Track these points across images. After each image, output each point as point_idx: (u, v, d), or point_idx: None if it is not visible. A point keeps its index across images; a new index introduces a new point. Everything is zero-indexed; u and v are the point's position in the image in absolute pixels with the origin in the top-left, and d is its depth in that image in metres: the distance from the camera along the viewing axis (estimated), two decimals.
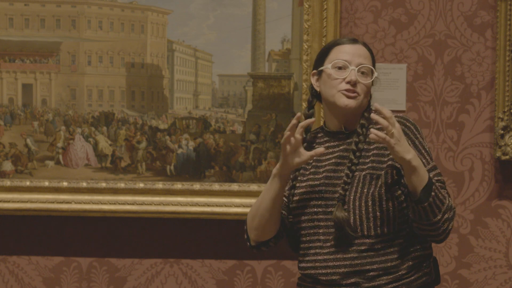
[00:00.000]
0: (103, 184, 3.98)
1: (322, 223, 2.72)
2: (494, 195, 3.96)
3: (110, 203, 3.96)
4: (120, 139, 4.02)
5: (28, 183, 4.00)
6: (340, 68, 2.74)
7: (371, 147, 2.72)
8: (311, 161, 2.79)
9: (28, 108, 4.04)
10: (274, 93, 3.96)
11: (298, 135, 2.64)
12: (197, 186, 3.93)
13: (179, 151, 4.00)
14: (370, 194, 2.66)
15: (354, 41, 2.79)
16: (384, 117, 2.55)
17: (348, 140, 2.76)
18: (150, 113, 4.02)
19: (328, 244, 2.70)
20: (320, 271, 2.71)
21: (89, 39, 4.01)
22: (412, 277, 2.70)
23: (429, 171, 2.66)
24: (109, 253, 4.03)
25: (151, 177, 4.00)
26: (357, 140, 2.72)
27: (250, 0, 3.96)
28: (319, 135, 2.85)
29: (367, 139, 2.72)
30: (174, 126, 4.01)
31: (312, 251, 2.74)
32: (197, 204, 3.93)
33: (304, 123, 2.67)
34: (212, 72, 4.06)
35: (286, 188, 2.79)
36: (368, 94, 2.77)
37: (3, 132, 4.04)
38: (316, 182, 2.75)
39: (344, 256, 2.68)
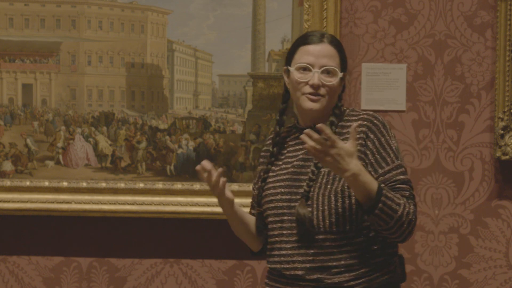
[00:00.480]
0: (103, 184, 3.98)
1: (286, 218, 2.74)
2: (494, 195, 3.96)
3: (110, 203, 3.96)
4: (120, 139, 4.02)
5: (28, 183, 4.00)
6: (304, 69, 2.75)
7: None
8: (282, 156, 2.82)
9: (28, 108, 4.04)
10: (274, 93, 3.96)
11: (218, 179, 2.73)
12: (197, 186, 3.93)
13: (179, 151, 4.00)
14: (333, 190, 2.68)
15: (320, 39, 2.78)
16: (325, 137, 2.56)
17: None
18: (150, 113, 4.02)
19: (292, 239, 2.72)
20: (284, 266, 2.74)
21: (89, 39, 4.01)
22: (374, 275, 2.71)
23: (391, 170, 2.68)
24: (109, 253, 4.03)
25: (151, 177, 4.00)
26: (325, 138, 2.73)
27: (250, 0, 3.96)
28: (292, 130, 2.88)
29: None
30: (174, 126, 4.01)
31: (277, 246, 2.76)
32: (197, 204, 3.93)
33: (219, 172, 2.73)
34: (212, 72, 4.06)
35: (256, 182, 2.87)
36: (335, 93, 2.78)
37: (3, 132, 4.04)
38: (283, 177, 2.78)
39: (307, 251, 2.69)
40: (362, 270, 2.69)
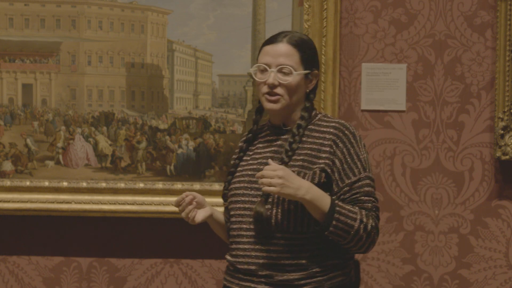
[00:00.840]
0: (103, 184, 3.98)
1: (246, 213, 2.76)
2: (494, 195, 3.96)
3: (110, 203, 3.96)
4: (120, 139, 4.02)
5: (28, 183, 4.00)
6: (263, 70, 2.77)
7: (306, 145, 2.75)
8: (251, 152, 2.85)
9: (28, 108, 4.04)
10: None
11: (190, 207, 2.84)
12: (197, 186, 3.93)
13: (179, 151, 4.00)
14: None
15: (279, 39, 2.79)
16: (261, 175, 2.61)
17: (285, 136, 2.80)
18: (150, 113, 4.02)
19: (250, 234, 2.74)
20: (239, 260, 2.76)
21: (89, 39, 4.01)
22: (326, 276, 2.72)
23: (357, 181, 2.70)
24: (109, 253, 4.03)
25: (151, 177, 4.00)
26: (291, 140, 2.75)
27: (250, 0, 3.96)
28: (264, 128, 2.90)
29: (300, 142, 2.76)
30: (174, 126, 4.01)
31: (236, 240, 2.79)
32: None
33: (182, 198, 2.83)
34: (212, 72, 4.06)
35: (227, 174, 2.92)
36: (295, 92, 2.77)
37: (3, 132, 4.04)
38: (248, 173, 2.80)
39: (262, 248, 2.72)
40: (314, 270, 2.71)
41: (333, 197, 2.67)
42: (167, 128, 4.01)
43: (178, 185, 3.96)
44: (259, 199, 2.72)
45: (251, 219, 2.74)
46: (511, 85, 3.85)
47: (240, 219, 2.79)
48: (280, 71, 2.75)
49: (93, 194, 3.97)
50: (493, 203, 3.96)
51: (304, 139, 2.76)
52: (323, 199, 2.63)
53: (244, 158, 2.87)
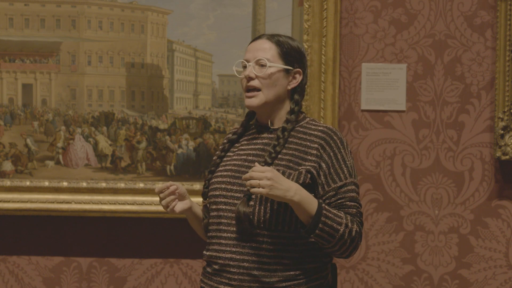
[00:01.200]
0: (103, 184, 3.98)
1: (228, 208, 2.75)
2: (494, 195, 3.96)
3: (110, 203, 3.96)
4: (120, 139, 4.02)
5: (28, 183, 4.00)
6: (244, 67, 2.80)
7: (292, 146, 2.75)
8: (235, 149, 2.85)
9: (28, 108, 4.04)
10: None
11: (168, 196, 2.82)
12: (197, 186, 3.93)
13: (179, 151, 4.00)
14: None
15: (260, 37, 2.82)
16: (249, 176, 2.61)
17: (270, 135, 2.80)
18: (150, 113, 4.02)
19: (230, 234, 2.73)
20: (217, 255, 2.74)
21: (89, 39, 4.01)
22: (305, 279, 2.72)
23: (342, 186, 2.71)
24: (109, 253, 4.03)
25: (151, 177, 4.00)
26: (275, 143, 2.74)
27: (250, 0, 3.96)
28: (252, 126, 2.90)
29: (284, 145, 2.75)
30: (174, 126, 4.01)
31: (215, 236, 2.77)
32: (197, 204, 3.93)
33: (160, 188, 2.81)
34: (212, 72, 4.06)
35: (207, 173, 2.90)
36: (272, 86, 2.77)
37: (3, 132, 4.04)
38: (232, 168, 2.79)
39: (243, 244, 2.70)
40: (293, 273, 2.70)
41: (319, 201, 2.67)
42: (167, 128, 4.01)
43: None
44: (242, 196, 2.71)
45: (232, 216, 2.72)
46: (511, 85, 3.85)
47: (221, 213, 2.76)
48: (257, 63, 2.76)
49: (93, 194, 3.97)
50: (493, 203, 3.96)
51: (290, 139, 2.75)
52: (311, 202, 2.63)
53: (228, 154, 2.86)
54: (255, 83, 2.76)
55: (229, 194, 2.75)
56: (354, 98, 3.94)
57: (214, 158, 2.91)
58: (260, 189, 2.58)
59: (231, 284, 2.71)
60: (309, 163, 2.70)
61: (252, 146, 2.81)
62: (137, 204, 3.95)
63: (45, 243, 4.04)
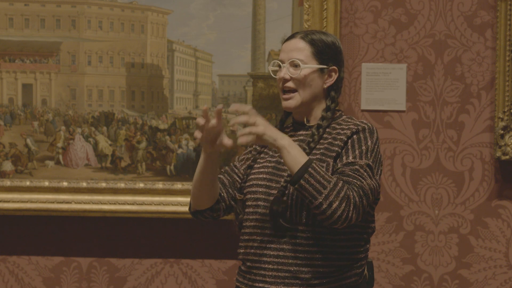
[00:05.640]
0: (103, 184, 3.98)
1: (261, 209, 2.73)
2: (494, 195, 3.96)
3: (110, 203, 3.96)
4: (120, 139, 4.02)
5: (28, 183, 4.00)
6: (279, 67, 2.78)
7: (325, 141, 2.74)
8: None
9: (28, 108, 4.04)
10: (274, 93, 3.96)
11: (213, 121, 2.61)
12: None
13: (179, 151, 4.00)
14: None
15: (294, 36, 2.80)
16: (244, 112, 2.55)
17: (306, 132, 2.79)
18: (150, 113, 4.02)
19: (264, 230, 2.70)
20: (254, 253, 2.72)
21: (89, 39, 4.02)
22: (339, 276, 2.70)
23: (351, 164, 2.62)
24: (109, 253, 4.04)
25: (151, 177, 4.00)
26: (310, 139, 2.73)
27: (250, 0, 3.96)
28: (289, 124, 2.89)
29: (319, 142, 2.74)
30: (174, 126, 4.01)
31: (249, 237, 2.75)
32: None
33: (217, 110, 2.62)
34: (212, 72, 4.06)
35: (242, 167, 2.85)
36: (308, 86, 2.76)
37: (3, 132, 4.04)
38: (268, 165, 2.78)
39: (278, 240, 2.68)
40: (328, 270, 2.68)
41: (311, 157, 2.62)
42: (167, 128, 4.01)
43: (178, 185, 3.96)
44: (273, 196, 2.70)
45: (265, 217, 2.70)
46: (511, 85, 3.85)
47: (257, 210, 2.74)
48: (291, 65, 2.75)
49: (93, 194, 3.97)
50: (493, 203, 3.96)
51: (325, 135, 2.74)
52: (302, 154, 2.57)
53: (265, 151, 2.83)
54: (290, 84, 2.75)
55: (266, 191, 2.73)
56: (354, 98, 3.94)
57: (250, 153, 2.87)
58: (258, 128, 2.54)
59: (265, 280, 2.70)
60: (335, 153, 2.69)
61: None
62: (137, 204, 3.95)
63: (45, 243, 4.04)
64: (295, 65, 2.74)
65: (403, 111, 3.95)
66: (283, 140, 2.57)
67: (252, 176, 2.80)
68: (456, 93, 3.95)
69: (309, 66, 2.75)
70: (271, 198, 2.71)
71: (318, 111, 2.80)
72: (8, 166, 4.03)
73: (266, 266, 2.70)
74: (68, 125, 4.03)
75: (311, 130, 2.76)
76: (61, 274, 4.05)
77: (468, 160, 3.95)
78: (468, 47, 3.92)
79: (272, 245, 2.70)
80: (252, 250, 2.73)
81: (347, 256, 2.71)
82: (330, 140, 2.73)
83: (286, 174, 2.71)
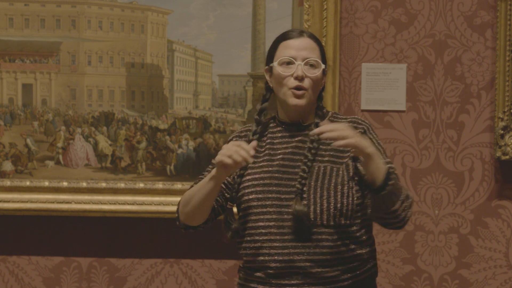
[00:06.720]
0: (103, 184, 3.98)
1: (275, 215, 2.70)
2: (494, 195, 3.96)
3: (110, 203, 3.96)
4: (120, 139, 4.02)
5: (28, 183, 4.00)
6: (288, 63, 2.75)
7: (328, 141, 2.72)
8: (261, 149, 2.80)
9: (28, 108, 4.04)
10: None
11: (251, 159, 2.63)
12: None
13: (179, 151, 4.00)
14: (332, 185, 2.68)
15: (300, 34, 2.79)
16: (332, 130, 2.57)
17: (305, 132, 2.78)
18: (150, 113, 4.02)
19: (284, 236, 2.69)
20: (277, 260, 2.69)
21: (89, 39, 4.02)
22: (363, 268, 2.74)
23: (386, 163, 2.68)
24: (109, 253, 4.04)
25: (151, 177, 4.00)
26: (313, 138, 2.73)
27: (250, 0, 3.96)
28: (271, 125, 2.86)
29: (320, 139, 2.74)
30: (174, 126, 4.01)
31: (263, 244, 2.71)
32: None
33: (251, 146, 2.64)
34: (212, 72, 4.06)
35: (230, 177, 2.80)
36: (316, 88, 2.78)
37: (3, 132, 4.04)
38: (270, 170, 2.75)
39: (302, 244, 2.67)
40: (353, 264, 2.72)
41: (361, 184, 2.68)
42: (167, 128, 4.01)
43: (178, 185, 3.96)
44: (287, 200, 2.68)
45: (283, 217, 2.69)
46: (511, 85, 3.85)
47: (268, 216, 2.71)
48: (306, 64, 2.74)
49: (93, 194, 3.97)
50: (493, 203, 3.96)
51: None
52: (382, 160, 2.62)
53: (256, 154, 2.76)
54: (305, 83, 2.74)
55: (276, 196, 2.71)
56: (354, 98, 3.94)
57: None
58: (354, 139, 2.55)
59: (291, 284, 2.69)
60: (350, 153, 2.70)
61: (286, 145, 2.79)
62: (137, 204, 3.95)
63: (45, 243, 4.04)
64: (311, 65, 2.75)
65: (403, 111, 3.95)
66: (372, 148, 2.60)
67: (254, 182, 2.76)
68: (456, 93, 3.95)
69: (323, 67, 2.77)
70: (283, 202, 2.69)
71: (312, 111, 2.81)
72: (8, 166, 4.03)
73: (293, 270, 2.68)
74: (68, 125, 4.03)
75: (309, 129, 2.76)
76: (61, 274, 4.05)
77: (468, 160, 3.95)
78: (468, 47, 3.92)
79: (297, 250, 2.68)
80: (274, 257, 2.70)
81: (368, 248, 2.76)
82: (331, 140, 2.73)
83: (297, 177, 2.70)
